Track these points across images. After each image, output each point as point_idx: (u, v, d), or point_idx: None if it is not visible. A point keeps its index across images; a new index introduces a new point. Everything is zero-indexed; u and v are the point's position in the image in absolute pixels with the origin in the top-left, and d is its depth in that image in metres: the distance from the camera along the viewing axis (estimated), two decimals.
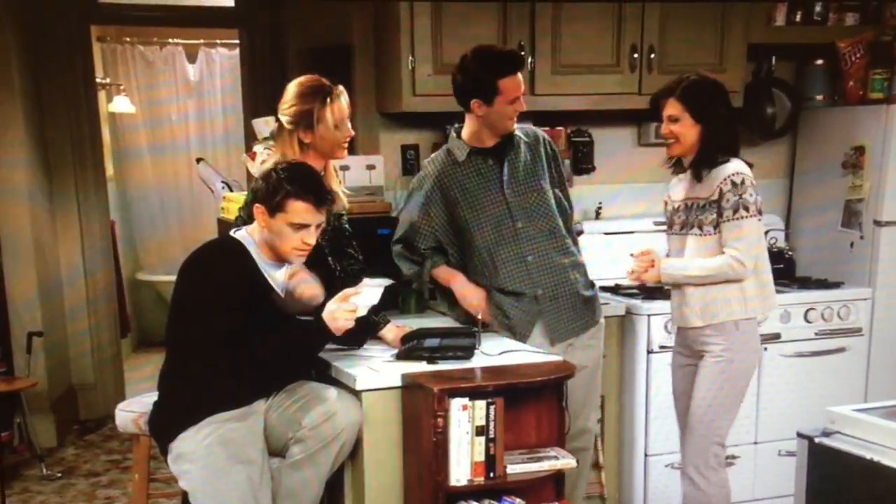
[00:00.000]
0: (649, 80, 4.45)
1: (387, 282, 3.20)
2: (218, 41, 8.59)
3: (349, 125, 3.46)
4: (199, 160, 5.62)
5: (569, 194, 3.91)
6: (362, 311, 3.13)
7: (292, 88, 3.43)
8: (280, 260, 3.15)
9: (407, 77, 4.19)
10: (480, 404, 2.97)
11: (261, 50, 6.62)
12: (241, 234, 3.19)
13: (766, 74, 4.93)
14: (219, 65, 8.68)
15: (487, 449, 2.99)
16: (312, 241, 3.10)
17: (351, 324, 3.08)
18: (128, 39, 8.43)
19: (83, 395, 6.47)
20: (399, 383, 3.13)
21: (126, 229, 8.57)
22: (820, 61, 4.94)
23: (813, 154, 4.96)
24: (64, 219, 6.29)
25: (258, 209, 3.09)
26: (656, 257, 3.48)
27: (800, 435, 2.88)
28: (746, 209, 3.37)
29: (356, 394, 3.13)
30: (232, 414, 3.08)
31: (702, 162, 3.45)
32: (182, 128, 8.72)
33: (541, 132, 3.86)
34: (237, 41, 7.28)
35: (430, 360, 3.22)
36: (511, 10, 4.27)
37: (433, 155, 3.87)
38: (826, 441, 2.79)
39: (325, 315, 3.07)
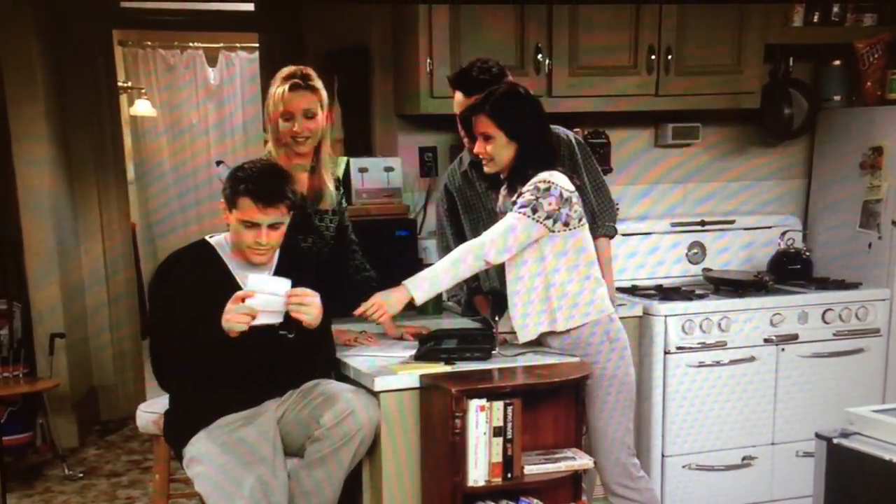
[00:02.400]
0: (667, 81, 4.45)
1: (285, 282, 3.00)
2: (238, 45, 8.64)
3: (306, 123, 3.42)
4: (218, 162, 5.64)
5: (601, 199, 3.89)
6: (268, 318, 2.97)
7: (276, 78, 3.48)
8: (248, 260, 3.14)
9: (425, 79, 4.19)
10: (498, 405, 2.97)
11: (280, 53, 6.65)
12: (216, 237, 3.23)
13: (783, 75, 4.91)
14: (238, 68, 8.74)
15: (505, 450, 2.98)
16: (265, 241, 3.07)
17: (243, 327, 2.92)
18: (149, 43, 8.49)
19: (104, 396, 6.53)
20: (417, 384, 3.13)
21: (146, 231, 8.63)
22: (838, 62, 4.91)
23: (831, 155, 4.94)
24: (85, 221, 6.34)
25: (222, 204, 3.12)
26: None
27: (818, 436, 2.87)
28: (534, 211, 3.20)
29: (374, 394, 3.13)
30: (240, 416, 3.13)
31: (516, 179, 3.30)
32: (202, 131, 8.77)
33: (565, 134, 3.83)
34: (257, 45, 7.32)
35: (448, 361, 3.21)
36: (528, 13, 4.27)
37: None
38: (844, 442, 2.78)
39: (224, 315, 2.95)
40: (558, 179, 3.25)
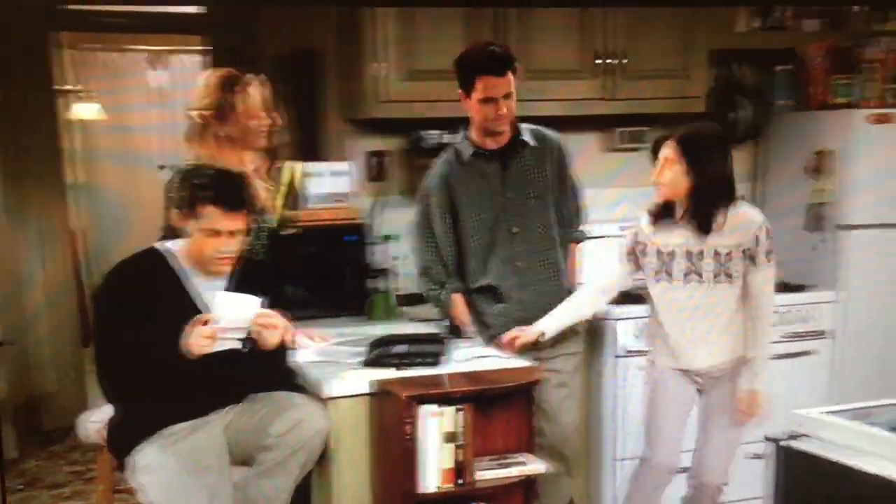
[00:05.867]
0: (616, 85, 4.47)
1: (255, 301, 3.00)
2: (183, 48, 8.53)
3: (267, 115, 3.52)
4: (161, 167, 5.57)
5: (577, 204, 3.92)
6: (232, 336, 2.98)
7: (204, 81, 3.49)
8: (207, 270, 3.10)
9: (372, 83, 4.17)
10: (450, 411, 2.96)
11: (227, 57, 6.57)
12: (166, 245, 3.17)
13: (730, 80, 4.96)
14: (184, 71, 8.63)
15: (457, 455, 2.97)
16: (228, 248, 3.05)
17: (207, 349, 2.93)
18: (92, 46, 8.35)
19: (46, 406, 6.40)
20: (367, 390, 3.11)
21: (92, 238, 8.48)
22: (784, 67, 4.97)
23: (778, 159, 4.99)
24: (23, 227, 6.20)
25: (175, 215, 3.07)
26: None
27: (767, 438, 2.89)
28: (772, 252, 3.44)
29: (324, 401, 3.10)
30: (186, 425, 3.07)
31: (705, 214, 3.40)
32: (148, 134, 8.66)
33: (555, 137, 3.85)
34: (202, 48, 7.24)
35: (399, 367, 3.20)
36: (477, 17, 4.26)
37: (442, 155, 3.87)
38: (794, 444, 2.80)
39: (185, 337, 2.94)
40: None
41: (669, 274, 3.50)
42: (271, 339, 3.02)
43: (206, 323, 2.93)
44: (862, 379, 4.58)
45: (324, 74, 4.69)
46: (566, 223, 3.86)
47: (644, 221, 3.58)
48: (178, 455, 2.99)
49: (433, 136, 4.41)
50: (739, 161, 5.12)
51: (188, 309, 3.05)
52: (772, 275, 3.46)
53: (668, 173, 3.40)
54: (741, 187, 5.09)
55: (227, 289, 3.09)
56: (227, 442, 3.12)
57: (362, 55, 4.21)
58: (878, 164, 4.58)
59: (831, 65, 4.75)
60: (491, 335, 3.71)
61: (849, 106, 4.67)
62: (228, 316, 2.94)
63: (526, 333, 3.58)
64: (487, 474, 3.04)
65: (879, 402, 3.09)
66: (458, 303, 3.77)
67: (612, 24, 4.47)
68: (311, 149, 4.76)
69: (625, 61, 4.48)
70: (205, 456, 3.04)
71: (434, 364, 3.25)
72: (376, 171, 4.54)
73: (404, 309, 4.22)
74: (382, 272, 4.23)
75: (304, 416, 3.04)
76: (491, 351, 3.53)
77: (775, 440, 2.86)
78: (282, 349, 3.15)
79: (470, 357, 3.38)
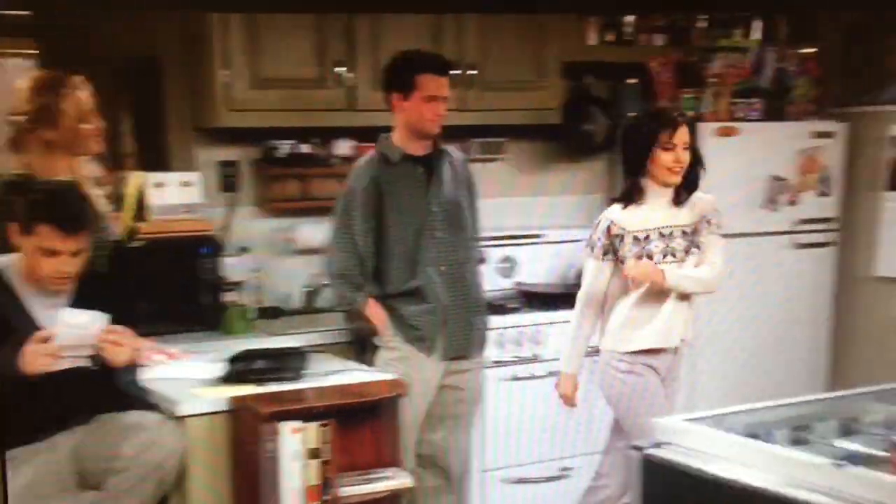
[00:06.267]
0: (471, 96, 4.47)
1: (102, 318, 2.88)
2: (10, 51, 8.13)
3: (96, 117, 3.40)
4: None
5: (477, 221, 3.91)
6: (77, 354, 2.85)
7: (24, 85, 3.34)
8: (45, 288, 2.95)
9: (221, 91, 4.07)
10: (312, 426, 2.90)
11: (60, 61, 6.28)
12: (1, 260, 3.00)
13: (583, 92, 5.02)
14: (12, 76, 8.22)
15: (321, 472, 2.91)
16: (69, 269, 2.92)
17: (48, 368, 2.80)
18: None
19: None
20: (225, 407, 3.01)
21: None
22: (633, 80, 5.05)
23: None
24: None
25: (11, 228, 2.92)
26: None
27: (632, 447, 2.91)
28: (721, 227, 3.63)
29: (178, 420, 2.98)
30: (26, 449, 2.91)
31: (688, 191, 3.61)
32: None
33: (462, 155, 3.92)
34: (33, 51, 6.90)
35: (259, 382, 3.11)
36: (328, 25, 4.20)
37: (363, 158, 3.79)
38: (657, 452, 2.82)
39: (24, 356, 2.79)
40: None
41: (651, 257, 3.58)
42: (119, 356, 2.90)
43: (46, 340, 2.79)
44: (717, 385, 4.72)
45: (169, 81, 4.51)
46: (474, 238, 3.88)
47: (615, 210, 3.64)
48: (16, 482, 2.80)
49: (286, 145, 4.34)
50: (593, 172, 5.22)
51: (26, 326, 2.90)
52: (720, 248, 3.62)
53: (687, 156, 3.54)
54: (596, 198, 5.22)
55: (70, 305, 2.95)
56: (73, 466, 2.96)
57: (209, 62, 4.10)
58: (725, 177, 4.69)
59: (678, 79, 4.88)
60: (418, 336, 3.66)
61: (696, 119, 4.77)
62: (72, 333, 2.82)
63: (562, 391, 3.80)
64: (353, 490, 2.99)
65: (735, 408, 3.16)
66: (375, 306, 3.70)
67: (465, 35, 4.47)
68: (157, 158, 4.56)
69: (478, 72, 4.48)
70: (47, 482, 2.89)
71: (295, 379, 3.17)
72: (228, 181, 4.41)
73: (264, 323, 4.10)
74: (238, 285, 4.11)
75: (157, 436, 2.91)
76: (352, 364, 3.48)
77: (639, 448, 2.88)
78: (131, 367, 3.03)
79: (332, 371, 3.30)
